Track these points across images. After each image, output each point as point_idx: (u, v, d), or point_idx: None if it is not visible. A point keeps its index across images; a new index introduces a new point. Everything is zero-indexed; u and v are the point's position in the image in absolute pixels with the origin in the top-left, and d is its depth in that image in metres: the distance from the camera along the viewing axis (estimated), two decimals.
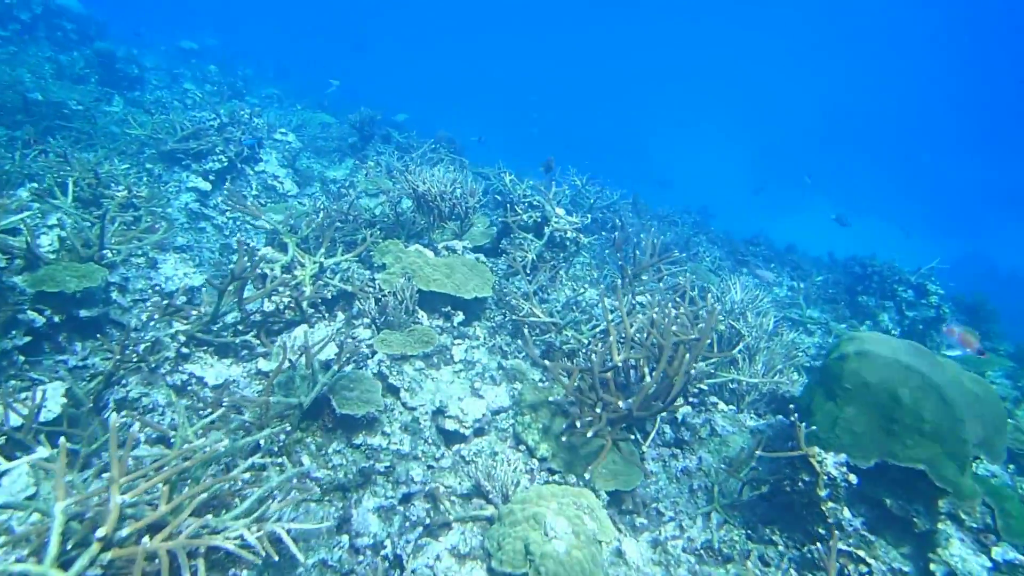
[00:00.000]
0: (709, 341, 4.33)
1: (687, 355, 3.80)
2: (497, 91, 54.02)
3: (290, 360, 3.62)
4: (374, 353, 4.39)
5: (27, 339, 3.99)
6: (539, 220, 6.45)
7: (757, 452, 3.97)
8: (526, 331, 4.78)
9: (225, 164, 7.55)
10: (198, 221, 7.08)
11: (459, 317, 5.17)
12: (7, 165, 5.97)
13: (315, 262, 4.99)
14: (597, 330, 5.18)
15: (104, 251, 4.69)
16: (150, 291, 4.94)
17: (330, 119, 13.76)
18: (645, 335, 4.10)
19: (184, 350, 3.95)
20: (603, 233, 10.02)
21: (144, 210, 5.77)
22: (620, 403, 3.76)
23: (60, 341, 4.29)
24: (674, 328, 3.97)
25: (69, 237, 4.60)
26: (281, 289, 4.53)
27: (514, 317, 5.33)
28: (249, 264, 3.94)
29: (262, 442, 3.29)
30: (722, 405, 5.05)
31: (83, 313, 4.35)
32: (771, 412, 5.16)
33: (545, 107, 49.10)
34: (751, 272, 10.40)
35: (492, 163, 16.75)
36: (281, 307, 4.61)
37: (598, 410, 3.80)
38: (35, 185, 5.94)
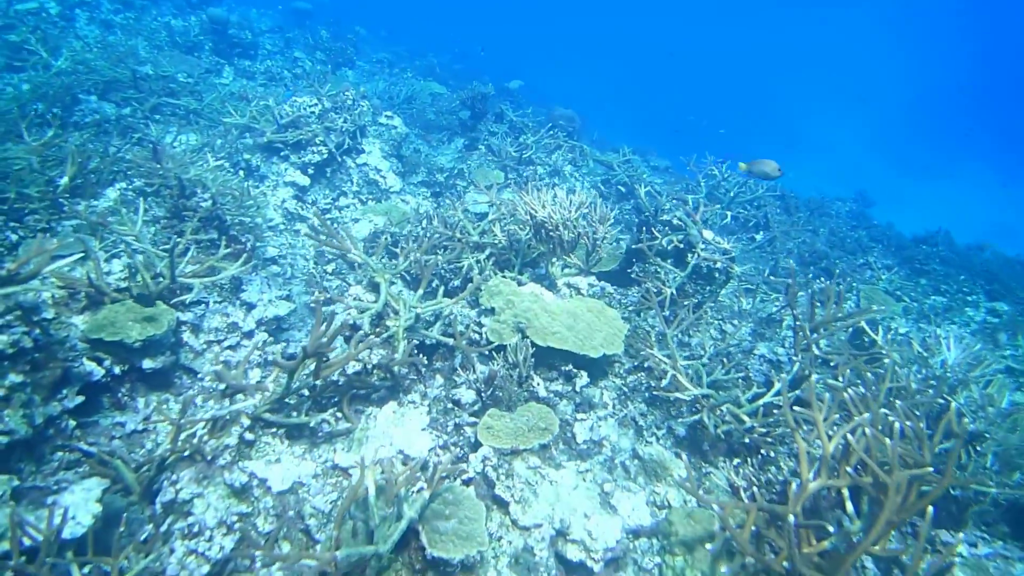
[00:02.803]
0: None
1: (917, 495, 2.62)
2: (622, 57, 50.98)
3: (365, 487, 2.78)
4: (477, 445, 3.49)
5: (79, 400, 3.40)
6: (681, 245, 5.27)
7: None
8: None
9: (325, 156, 6.84)
10: (293, 222, 6.45)
11: (582, 379, 4.18)
12: (96, 161, 5.51)
13: (411, 308, 4.13)
14: (761, 403, 4.00)
15: (176, 283, 4.05)
16: (226, 330, 4.29)
17: (441, 89, 12.88)
18: (850, 448, 2.93)
19: (248, 435, 3.22)
20: (750, 236, 8.61)
21: (231, 218, 5.13)
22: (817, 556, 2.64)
23: (121, 396, 3.71)
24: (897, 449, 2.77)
25: (137, 268, 3.99)
26: (370, 349, 3.70)
27: (652, 387, 4.26)
28: (326, 338, 3.11)
29: None
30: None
31: (147, 364, 3.74)
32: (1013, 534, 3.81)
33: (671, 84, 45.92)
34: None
35: (612, 138, 15.35)
36: (369, 367, 3.80)
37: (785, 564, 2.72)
38: (123, 186, 5.46)
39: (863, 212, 11.51)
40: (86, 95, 7.60)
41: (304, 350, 3.10)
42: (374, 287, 4.36)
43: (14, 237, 4.43)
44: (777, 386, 3.99)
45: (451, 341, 4.12)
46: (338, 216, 6.75)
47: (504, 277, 4.92)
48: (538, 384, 3.97)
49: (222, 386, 3.21)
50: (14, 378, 3.08)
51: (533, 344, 4.09)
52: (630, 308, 5.18)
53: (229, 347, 4.24)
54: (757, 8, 52.49)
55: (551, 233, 4.71)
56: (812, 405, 3.02)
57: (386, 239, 6.06)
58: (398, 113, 9.77)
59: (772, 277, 6.85)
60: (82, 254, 3.67)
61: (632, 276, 5.34)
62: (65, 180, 5.07)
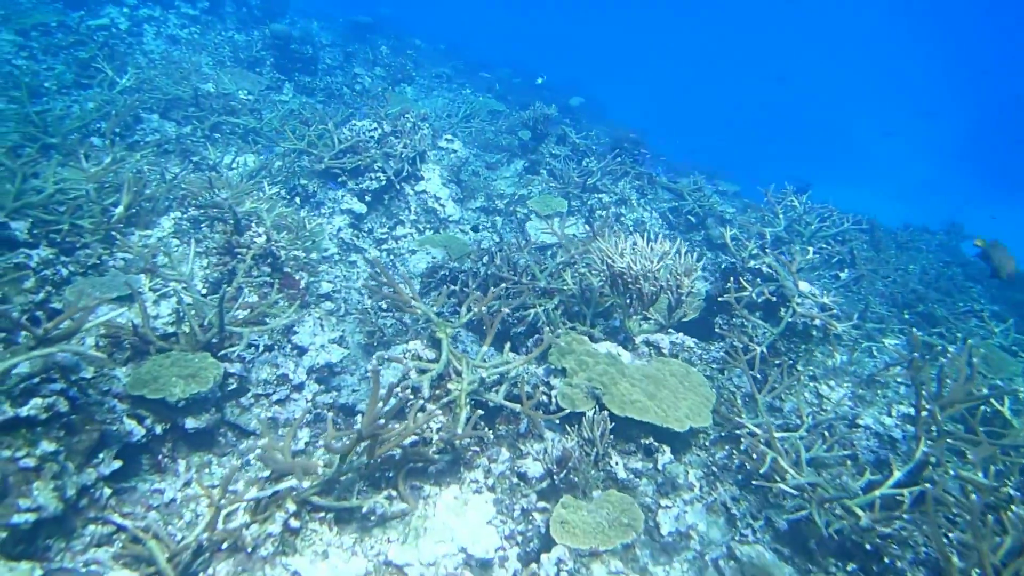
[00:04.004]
0: None
1: None
2: (682, 71, 49.76)
3: None
4: (548, 539, 3.06)
5: (116, 464, 3.13)
6: (774, 298, 4.74)
7: None
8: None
9: (383, 183, 6.55)
10: (349, 253, 6.16)
11: (665, 455, 3.71)
12: (152, 187, 5.33)
13: (475, 368, 3.74)
14: (877, 494, 3.43)
15: (224, 332, 3.76)
16: (275, 383, 3.98)
17: (500, 106, 12.57)
18: None
19: (293, 522, 2.87)
20: (834, 274, 7.93)
21: (285, 254, 4.85)
22: None
23: (161, 457, 3.42)
24: None
25: (185, 316, 3.72)
26: (430, 422, 3.32)
27: (743, 462, 3.76)
28: (383, 419, 2.74)
29: None
30: None
31: (190, 424, 3.45)
32: None
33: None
34: None
35: (676, 157, 14.75)
36: (428, 437, 3.42)
37: None
38: (178, 215, 5.26)
39: (955, 246, 10.60)
40: (148, 113, 7.55)
41: (359, 433, 2.73)
42: (434, 342, 3.99)
43: (65, 272, 4.24)
44: (896, 475, 3.43)
45: (517, 407, 3.70)
46: (395, 246, 6.44)
47: (575, 331, 4.49)
48: (617, 464, 3.52)
49: (267, 472, 2.87)
50: (47, 447, 2.82)
51: (610, 413, 3.65)
52: (713, 365, 4.68)
53: (278, 401, 3.93)
54: (814, 25, 50.71)
55: (630, 285, 4.26)
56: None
57: (446, 264, 5.77)
58: (457, 133, 9.48)
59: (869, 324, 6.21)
60: (114, 312, 3.39)
61: (716, 329, 4.84)
62: (120, 209, 4.89)
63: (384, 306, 5.66)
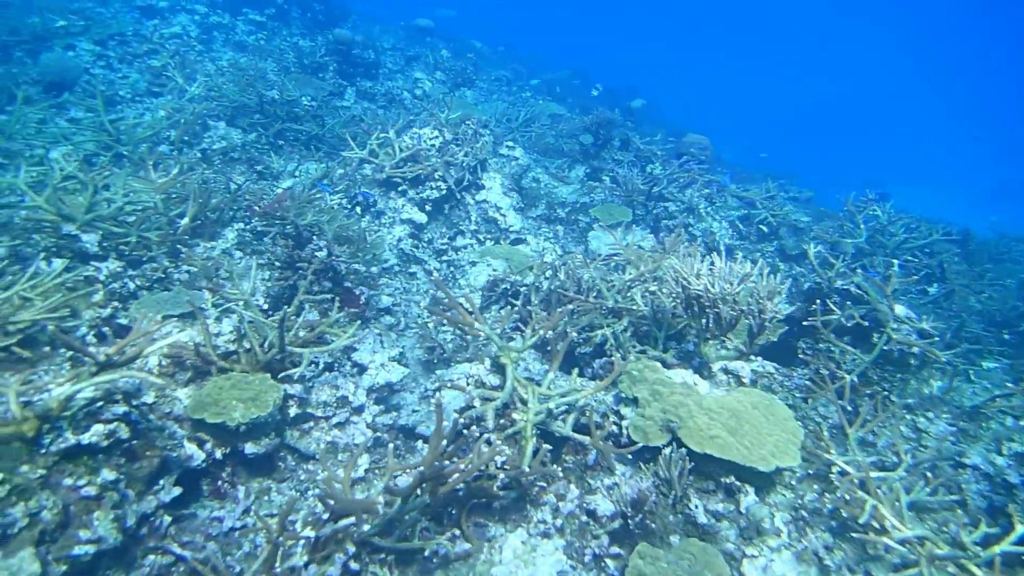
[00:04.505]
0: None
1: None
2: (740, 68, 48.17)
3: None
4: None
5: (176, 492, 3.06)
6: (865, 323, 4.36)
7: None
8: None
9: (444, 192, 6.41)
10: (409, 264, 6.05)
11: (748, 496, 3.42)
12: (217, 197, 5.33)
13: (541, 397, 3.53)
14: (997, 551, 3.04)
15: (285, 352, 3.67)
16: (335, 405, 3.87)
17: (560, 109, 12.33)
18: None
19: (353, 564, 2.72)
20: (922, 288, 7.37)
21: (346, 268, 4.75)
22: None
23: (221, 483, 3.35)
24: None
25: (247, 334, 3.64)
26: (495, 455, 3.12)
27: (849, 526, 3.42)
28: (447, 460, 2.56)
29: None
30: None
31: (250, 449, 3.36)
32: None
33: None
34: None
35: (743, 161, 14.16)
36: (493, 472, 3.22)
37: None
38: (242, 227, 5.25)
39: None
40: (215, 121, 7.64)
41: (422, 475, 2.55)
42: (498, 367, 3.80)
43: (132, 286, 4.24)
44: (1020, 529, 3.03)
45: (586, 440, 3.47)
46: (454, 257, 6.29)
47: (645, 355, 4.23)
48: (696, 507, 3.24)
49: (326, 514, 2.73)
50: (107, 475, 2.76)
51: (687, 448, 3.39)
52: (795, 393, 4.34)
53: (338, 424, 3.82)
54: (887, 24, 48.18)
55: (707, 309, 3.96)
56: None
57: (506, 279, 5.58)
58: (517, 138, 9.30)
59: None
60: (171, 339, 3.32)
61: (799, 355, 4.48)
62: (186, 220, 4.90)
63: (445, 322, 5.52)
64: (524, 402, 3.52)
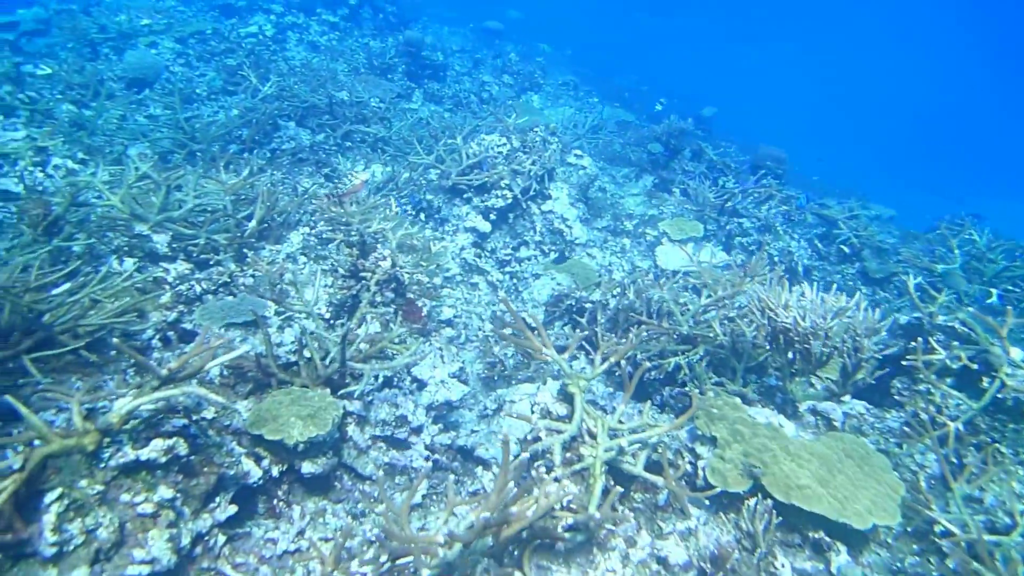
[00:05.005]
0: None
1: None
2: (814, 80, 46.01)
3: None
4: None
5: (232, 511, 2.97)
6: (974, 365, 3.94)
7: None
8: None
9: (509, 201, 6.24)
10: (471, 274, 5.90)
11: (840, 555, 3.11)
12: (285, 199, 5.31)
13: (611, 432, 3.29)
14: None
15: (346, 367, 3.55)
16: (394, 424, 3.73)
17: (629, 116, 12.03)
18: None
19: None
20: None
21: (409, 279, 4.63)
22: None
23: (277, 501, 3.25)
24: None
25: (308, 345, 3.55)
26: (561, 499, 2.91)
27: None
28: (516, 507, 2.37)
29: None
30: None
31: (307, 468, 3.25)
32: None
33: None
34: None
35: (822, 176, 13.48)
36: (557, 510, 3.01)
37: None
38: (307, 231, 5.20)
39: None
40: (286, 121, 7.69)
41: (486, 521, 2.37)
42: (565, 396, 3.58)
43: (198, 289, 4.23)
44: None
45: (659, 480, 3.22)
46: (517, 269, 6.11)
47: (722, 387, 3.94)
48: (783, 565, 2.95)
49: (384, 556, 2.58)
50: (164, 492, 2.68)
51: (772, 498, 3.10)
52: (889, 437, 3.96)
53: (395, 444, 3.68)
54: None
55: (795, 343, 3.64)
56: None
57: (573, 293, 5.37)
58: (584, 145, 9.06)
59: None
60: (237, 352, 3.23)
61: (893, 395, 4.10)
62: (253, 223, 4.88)
63: (506, 332, 5.34)
64: (593, 436, 3.30)
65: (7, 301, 2.96)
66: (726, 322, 4.33)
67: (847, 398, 3.86)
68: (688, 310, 4.56)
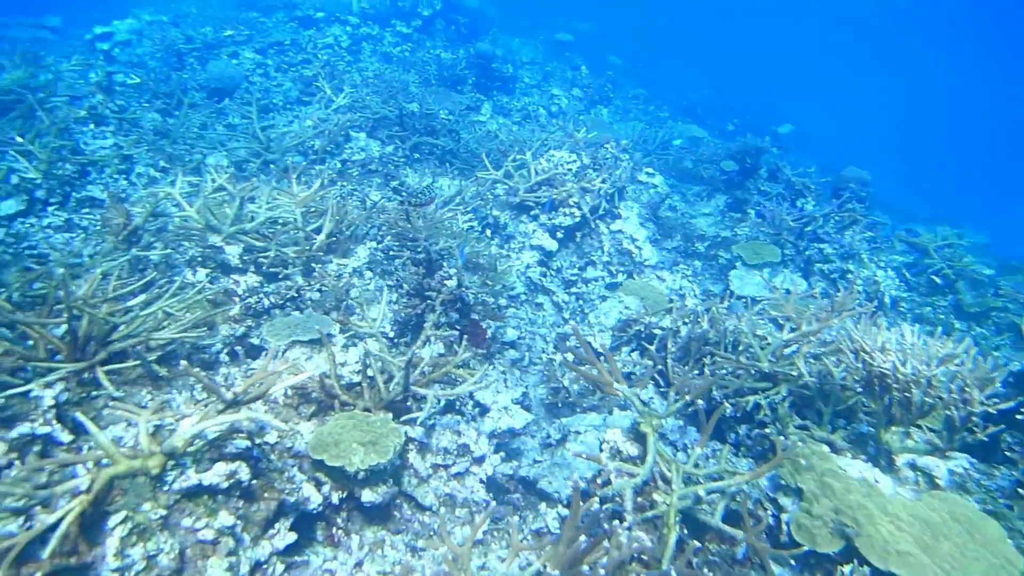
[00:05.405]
0: None
1: None
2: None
3: None
4: None
5: (292, 539, 2.90)
6: None
7: None
8: None
9: (577, 220, 6.07)
10: (536, 294, 5.75)
11: None
12: (353, 212, 5.30)
13: (687, 477, 3.07)
14: None
15: (409, 392, 3.46)
16: (455, 453, 3.61)
17: (701, 132, 11.66)
18: None
19: None
20: None
21: (474, 298, 4.52)
22: None
23: (336, 529, 3.17)
24: None
25: (372, 367, 3.47)
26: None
27: None
28: (585, 564, 2.19)
29: None
30: None
31: (367, 497, 3.16)
32: None
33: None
34: None
35: (900, 199, 12.74)
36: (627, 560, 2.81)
37: None
38: (374, 246, 5.17)
39: None
40: (357, 131, 7.76)
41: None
42: (637, 436, 3.37)
43: (266, 302, 4.23)
44: None
45: (739, 534, 2.98)
46: (584, 290, 5.92)
47: (807, 432, 3.64)
48: None
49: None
50: (225, 519, 2.63)
51: (868, 564, 2.81)
52: (997, 497, 3.57)
53: (456, 475, 3.56)
54: None
55: (893, 390, 3.32)
56: None
57: (641, 319, 5.14)
58: (654, 162, 8.80)
59: None
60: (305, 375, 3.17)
61: (1004, 450, 3.70)
62: (321, 236, 4.87)
63: (570, 358, 5.16)
64: (667, 480, 3.08)
65: (86, 314, 2.99)
66: (811, 360, 4.02)
67: (952, 453, 3.50)
68: (768, 344, 4.26)
